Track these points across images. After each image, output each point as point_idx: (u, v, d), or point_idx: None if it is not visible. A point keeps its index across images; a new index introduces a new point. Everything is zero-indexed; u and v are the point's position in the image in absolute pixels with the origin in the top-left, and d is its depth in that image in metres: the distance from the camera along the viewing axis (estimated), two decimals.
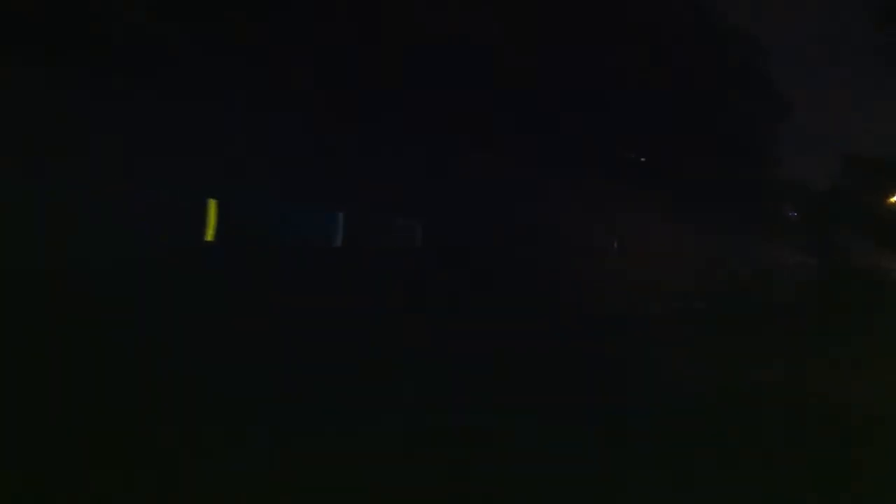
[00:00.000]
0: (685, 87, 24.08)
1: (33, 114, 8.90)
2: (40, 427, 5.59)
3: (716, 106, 26.18)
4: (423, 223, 15.12)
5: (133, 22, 10.01)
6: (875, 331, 14.73)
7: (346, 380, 7.61)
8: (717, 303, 18.54)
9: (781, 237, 32.87)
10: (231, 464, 5.19)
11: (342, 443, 5.73)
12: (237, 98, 11.13)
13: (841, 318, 15.70)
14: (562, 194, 19.35)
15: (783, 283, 24.19)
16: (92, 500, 4.55)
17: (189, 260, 10.11)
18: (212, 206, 10.94)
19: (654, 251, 23.17)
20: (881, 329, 15.07)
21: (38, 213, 8.64)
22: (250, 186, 11.31)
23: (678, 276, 21.06)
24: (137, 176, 9.62)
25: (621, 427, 6.69)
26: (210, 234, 10.92)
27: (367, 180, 13.67)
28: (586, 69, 19.18)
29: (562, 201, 19.44)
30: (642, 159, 23.33)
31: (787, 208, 34.20)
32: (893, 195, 30.83)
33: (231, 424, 5.98)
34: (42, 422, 5.70)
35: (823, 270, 27.18)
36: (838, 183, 33.74)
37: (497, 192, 16.88)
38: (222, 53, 11.14)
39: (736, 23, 28.09)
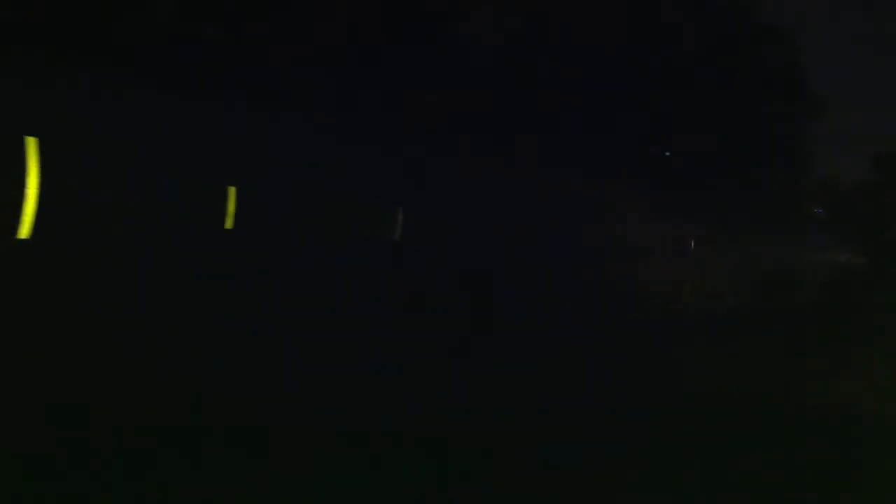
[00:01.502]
0: (718, 86, 23.91)
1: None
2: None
3: (748, 105, 25.92)
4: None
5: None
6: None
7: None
8: (745, 301, 18.42)
9: (811, 235, 32.45)
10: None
11: None
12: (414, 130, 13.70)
13: (865, 317, 15.47)
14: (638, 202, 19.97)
15: (811, 281, 23.91)
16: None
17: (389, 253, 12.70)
18: (399, 212, 13.49)
19: (705, 252, 23.14)
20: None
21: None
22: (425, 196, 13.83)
23: (716, 275, 21.00)
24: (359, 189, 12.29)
25: (624, 427, 6.71)
26: (398, 235, 13.49)
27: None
28: (624, 69, 19.17)
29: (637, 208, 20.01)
30: (667, 153, 23.20)
31: (817, 207, 33.73)
32: None
33: None
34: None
35: (850, 269, 26.82)
36: (869, 182, 33.22)
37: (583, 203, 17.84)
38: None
39: (770, 23, 27.82)
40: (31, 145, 7.52)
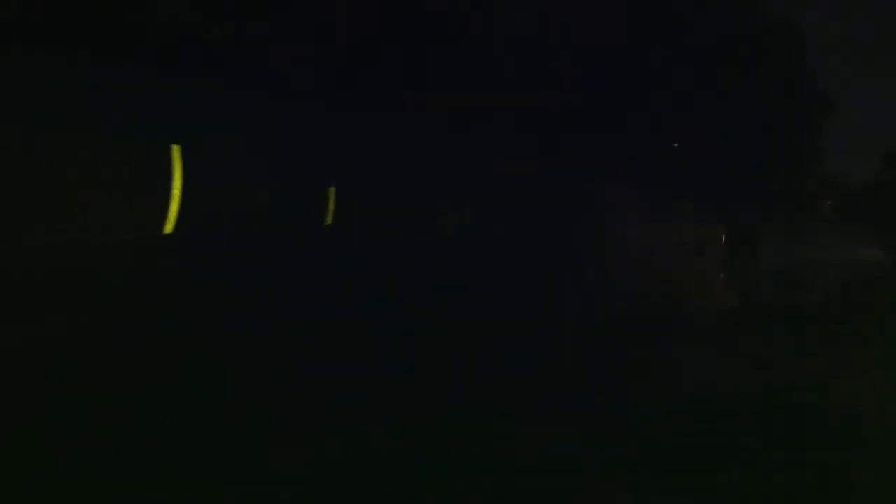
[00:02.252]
0: (724, 83, 23.82)
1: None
2: None
3: (756, 102, 25.81)
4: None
5: None
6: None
7: None
8: (745, 301, 18.38)
9: (818, 234, 32.28)
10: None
11: None
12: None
13: (872, 317, 15.39)
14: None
15: (818, 281, 23.78)
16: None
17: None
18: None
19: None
20: None
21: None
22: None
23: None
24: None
25: (625, 427, 6.71)
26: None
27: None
28: (628, 67, 19.15)
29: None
30: (675, 144, 23.14)
31: (827, 205, 33.59)
32: None
33: None
34: None
35: (858, 268, 26.64)
36: (878, 180, 33.01)
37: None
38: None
39: (778, 20, 27.70)
40: (176, 152, 8.29)
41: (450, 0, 14.49)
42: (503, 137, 15.18)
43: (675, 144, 22.90)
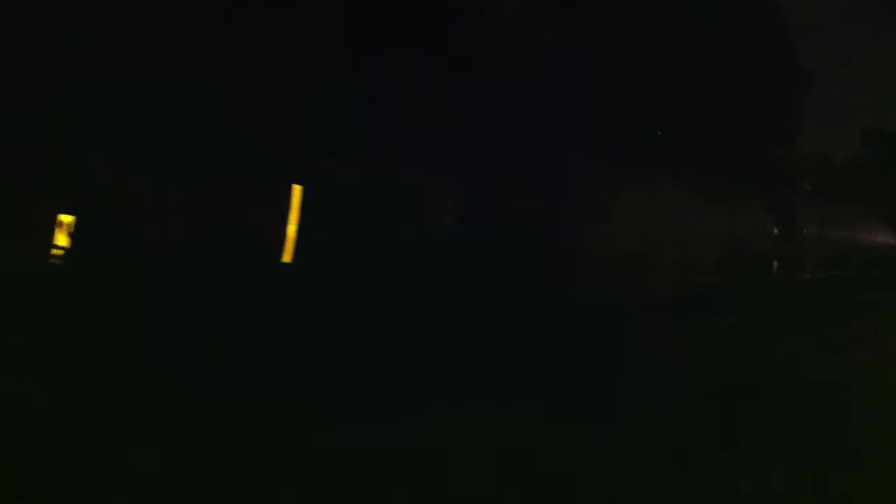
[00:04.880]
0: (703, 59, 23.69)
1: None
2: None
3: (734, 77, 25.72)
4: None
5: None
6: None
7: None
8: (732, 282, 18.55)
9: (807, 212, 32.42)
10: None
11: None
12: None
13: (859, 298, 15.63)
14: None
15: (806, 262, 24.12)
16: None
17: None
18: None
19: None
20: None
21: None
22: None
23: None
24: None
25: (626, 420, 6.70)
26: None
27: None
28: (610, 43, 18.94)
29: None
30: (658, 133, 22.99)
31: (805, 183, 33.67)
32: None
33: None
34: None
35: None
36: (859, 157, 33.19)
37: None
38: None
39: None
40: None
41: None
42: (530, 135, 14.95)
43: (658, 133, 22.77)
